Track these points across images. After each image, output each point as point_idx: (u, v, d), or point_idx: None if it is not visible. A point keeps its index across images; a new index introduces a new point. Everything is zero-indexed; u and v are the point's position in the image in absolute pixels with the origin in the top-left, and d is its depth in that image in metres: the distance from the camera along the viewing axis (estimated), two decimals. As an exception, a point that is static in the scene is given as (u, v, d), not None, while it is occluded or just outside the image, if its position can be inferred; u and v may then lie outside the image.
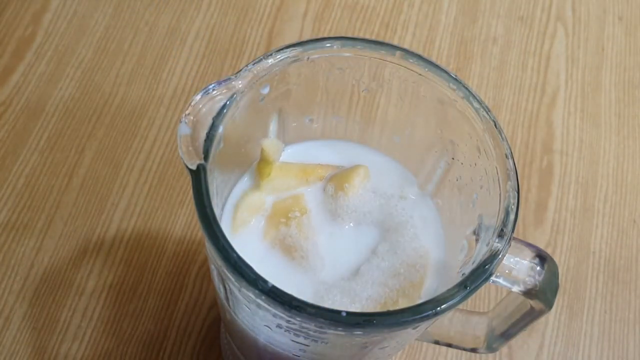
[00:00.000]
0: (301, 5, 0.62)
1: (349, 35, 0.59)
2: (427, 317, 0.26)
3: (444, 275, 0.33)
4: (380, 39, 0.58)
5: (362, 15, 0.62)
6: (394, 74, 0.32)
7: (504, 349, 0.49)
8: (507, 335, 0.35)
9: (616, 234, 0.54)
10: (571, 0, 0.65)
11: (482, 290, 0.39)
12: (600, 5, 0.65)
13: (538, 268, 0.30)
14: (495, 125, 0.30)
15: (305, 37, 0.60)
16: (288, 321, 0.26)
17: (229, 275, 0.26)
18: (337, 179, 0.35)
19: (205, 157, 0.28)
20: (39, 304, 0.47)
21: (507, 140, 0.30)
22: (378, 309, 0.32)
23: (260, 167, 0.34)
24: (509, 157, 0.29)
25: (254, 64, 0.30)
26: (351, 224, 0.35)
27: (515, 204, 0.28)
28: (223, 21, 0.60)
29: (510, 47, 0.62)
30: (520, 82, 0.60)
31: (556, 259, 0.43)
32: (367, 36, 0.60)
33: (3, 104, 0.54)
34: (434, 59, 0.34)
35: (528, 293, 0.30)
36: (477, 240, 0.30)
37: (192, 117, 0.28)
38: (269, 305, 0.25)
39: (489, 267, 0.27)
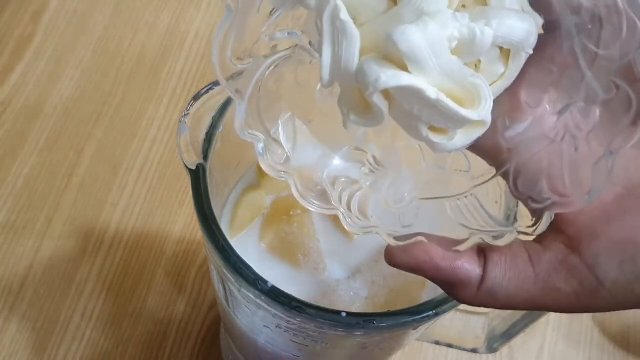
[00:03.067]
0: (301, 5, 0.61)
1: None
2: (428, 318, 0.26)
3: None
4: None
5: (362, 15, 0.62)
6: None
7: (505, 349, 0.48)
8: (507, 335, 0.35)
9: (617, 234, 0.54)
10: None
11: (483, 290, 0.39)
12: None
13: (538, 268, 0.29)
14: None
15: (305, 37, 0.60)
16: (288, 321, 0.26)
17: (228, 275, 0.26)
18: None
19: (205, 157, 0.28)
20: (38, 304, 0.47)
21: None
22: (378, 310, 0.31)
23: (261, 164, 0.34)
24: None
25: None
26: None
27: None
28: (223, 21, 0.60)
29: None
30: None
31: (557, 259, 0.43)
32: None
33: (2, 104, 0.54)
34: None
35: (529, 293, 0.30)
36: (477, 240, 0.30)
37: (191, 117, 0.28)
38: (268, 305, 0.25)
39: (490, 267, 0.27)
